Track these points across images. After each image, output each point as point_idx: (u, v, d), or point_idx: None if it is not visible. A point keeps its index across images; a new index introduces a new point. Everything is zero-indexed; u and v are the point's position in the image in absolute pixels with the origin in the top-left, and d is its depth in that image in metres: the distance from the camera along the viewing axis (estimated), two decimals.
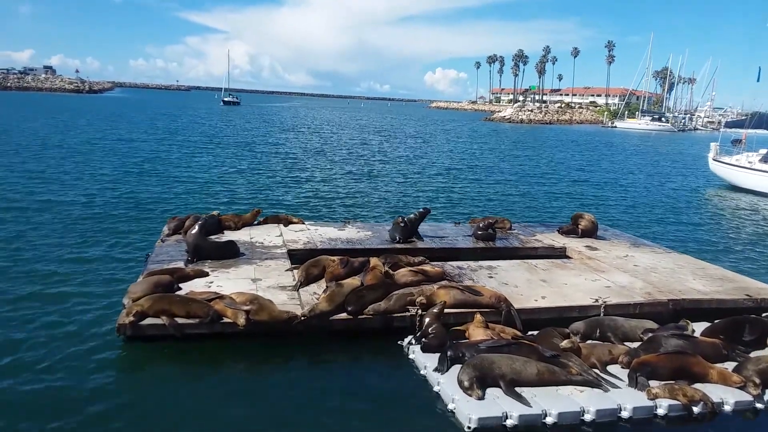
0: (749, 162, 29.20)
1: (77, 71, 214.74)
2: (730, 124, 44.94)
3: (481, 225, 13.22)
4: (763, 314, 9.16)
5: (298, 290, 9.22)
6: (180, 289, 8.92)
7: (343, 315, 8.32)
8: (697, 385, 6.88)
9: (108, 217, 15.94)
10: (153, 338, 7.80)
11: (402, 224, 12.63)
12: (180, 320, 7.88)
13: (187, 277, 9.46)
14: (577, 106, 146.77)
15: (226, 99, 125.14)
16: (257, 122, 69.11)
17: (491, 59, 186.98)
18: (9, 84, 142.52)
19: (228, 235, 12.33)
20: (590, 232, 13.79)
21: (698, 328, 8.50)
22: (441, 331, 7.81)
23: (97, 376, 7.11)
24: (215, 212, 13.32)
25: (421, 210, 13.12)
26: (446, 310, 8.52)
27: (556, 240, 13.53)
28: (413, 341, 7.95)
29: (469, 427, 6.11)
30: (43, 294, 9.73)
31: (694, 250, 15.20)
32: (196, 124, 58.60)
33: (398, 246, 12.16)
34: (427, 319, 8.06)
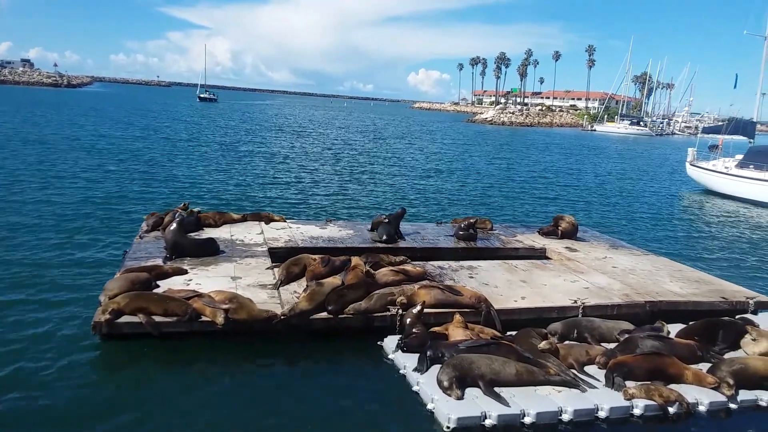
0: (726, 167, 29.73)
1: (56, 65, 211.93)
2: (707, 130, 45.63)
3: (462, 225, 13.27)
4: (737, 316, 9.33)
5: (278, 289, 9.16)
6: (158, 286, 8.80)
7: (324, 314, 8.28)
8: (673, 386, 6.99)
9: (84, 214, 15.68)
10: (130, 336, 7.69)
11: (386, 221, 12.65)
12: (158, 318, 7.78)
13: (166, 275, 9.34)
14: (557, 110, 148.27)
15: (202, 96, 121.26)
16: (235, 120, 67.66)
17: (474, 61, 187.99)
18: None
19: (208, 233, 12.22)
20: (570, 234, 13.93)
21: (674, 329, 8.62)
22: (422, 331, 7.82)
23: (71, 374, 6.99)
24: (196, 209, 13.19)
25: (398, 210, 13.16)
26: (427, 310, 8.54)
27: (537, 241, 13.63)
28: (394, 341, 7.93)
29: (448, 427, 6.12)
30: (17, 291, 9.54)
31: (671, 253, 15.42)
32: (174, 121, 57.69)
33: (380, 245, 12.14)
34: (408, 320, 8.07)
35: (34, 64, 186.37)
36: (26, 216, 14.86)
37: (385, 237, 12.36)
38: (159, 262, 10.02)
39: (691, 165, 32.30)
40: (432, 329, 8.12)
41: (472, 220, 13.39)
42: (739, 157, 29.70)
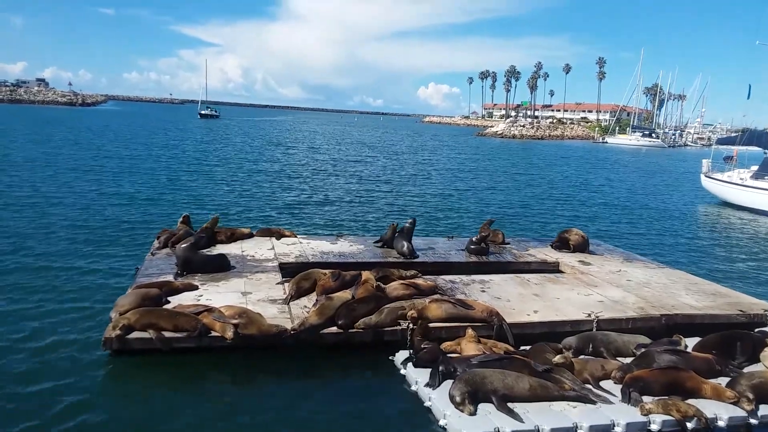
0: (740, 179, 29.42)
1: (70, 84, 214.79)
2: (721, 141, 45.23)
3: (473, 239, 13.18)
4: (756, 329, 9.14)
5: (288, 304, 9.12)
6: (168, 302, 8.80)
7: (334, 328, 8.22)
8: (691, 401, 6.82)
9: (97, 230, 15.78)
10: (140, 352, 7.68)
11: (398, 230, 12.64)
12: (167, 334, 7.76)
13: (177, 291, 9.34)
14: (568, 122, 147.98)
15: (203, 112, 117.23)
16: (235, 138, 66.11)
17: (483, 75, 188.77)
18: (1, 97, 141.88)
19: (219, 249, 12.24)
20: (582, 247, 13.79)
21: (691, 343, 8.47)
22: (434, 346, 7.72)
23: (82, 389, 6.97)
24: (214, 216, 13.36)
25: (410, 221, 13.07)
26: (438, 325, 8.46)
27: (549, 254, 13.50)
28: (405, 356, 7.85)
29: None
30: (28, 306, 9.58)
31: (686, 266, 15.23)
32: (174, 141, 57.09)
33: (390, 260, 12.09)
34: (416, 337, 7.97)
35: (49, 84, 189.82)
36: (38, 231, 15.00)
37: (405, 249, 12.32)
38: (170, 278, 10.04)
39: (706, 176, 31.98)
40: (443, 344, 8.02)
41: (484, 234, 13.31)
42: (755, 168, 29.39)
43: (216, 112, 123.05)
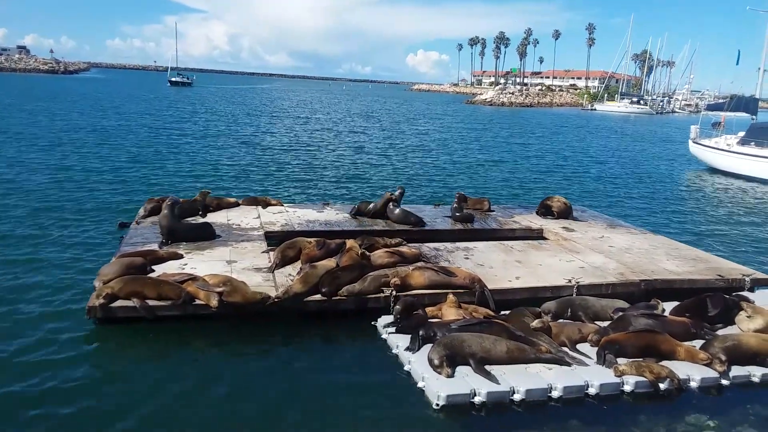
0: (727, 145, 29.56)
1: (52, 51, 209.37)
2: (710, 107, 45.29)
3: (454, 205, 13.27)
4: (733, 293, 9.30)
5: (273, 272, 9.19)
6: (153, 271, 8.84)
7: (318, 296, 8.32)
8: (665, 363, 7.00)
9: (81, 199, 15.69)
10: (124, 320, 7.75)
11: (394, 198, 12.73)
12: (152, 302, 7.82)
13: (161, 260, 9.38)
14: (557, 89, 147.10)
15: (173, 79, 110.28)
16: (211, 105, 64.37)
17: (473, 41, 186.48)
18: None
19: (205, 218, 12.23)
20: (565, 213, 13.91)
21: (669, 308, 8.63)
22: (421, 315, 7.81)
23: (65, 357, 7.04)
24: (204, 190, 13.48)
25: (399, 190, 13.11)
26: (421, 291, 8.58)
27: (534, 221, 13.62)
28: (387, 321, 7.96)
29: (437, 405, 6.17)
30: (12, 276, 9.58)
31: (671, 231, 15.42)
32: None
33: (376, 228, 12.15)
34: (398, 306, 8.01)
35: (30, 51, 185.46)
36: (23, 200, 14.89)
37: (412, 218, 12.51)
38: (155, 247, 10.05)
39: (694, 143, 32.10)
40: (425, 309, 8.13)
41: (461, 197, 13.35)
42: (742, 134, 29.50)
43: (188, 79, 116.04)
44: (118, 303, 7.77)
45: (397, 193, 12.95)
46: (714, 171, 30.09)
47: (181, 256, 9.69)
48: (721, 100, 46.75)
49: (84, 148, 25.24)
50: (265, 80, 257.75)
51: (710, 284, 9.89)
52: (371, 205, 13.07)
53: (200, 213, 12.50)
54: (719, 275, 10.19)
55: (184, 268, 9.08)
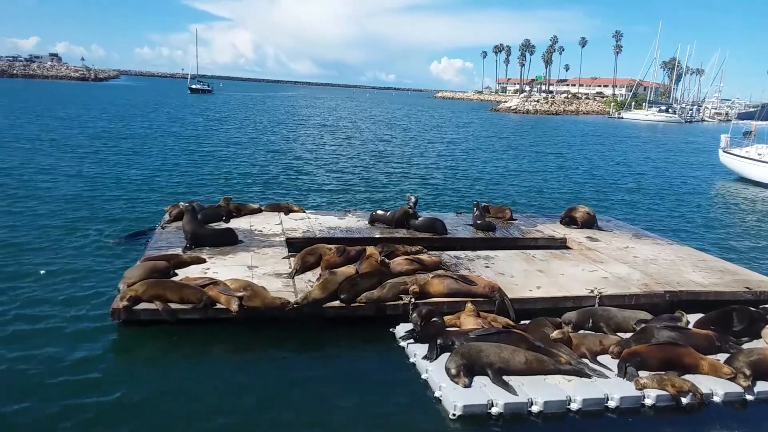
0: (759, 154, 28.93)
1: (83, 59, 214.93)
2: (741, 116, 44.44)
3: (475, 213, 13.20)
4: (761, 306, 9.10)
5: (293, 278, 9.26)
6: (176, 275, 8.98)
7: (337, 302, 8.35)
8: (688, 377, 6.88)
9: (107, 202, 16.01)
10: (147, 323, 7.87)
11: (411, 208, 12.64)
12: (174, 305, 7.95)
13: (184, 264, 9.53)
14: (583, 97, 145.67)
15: (193, 87, 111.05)
16: (231, 112, 64.33)
17: (497, 49, 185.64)
18: (15, 72, 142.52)
19: (228, 223, 12.39)
20: (589, 223, 13.75)
21: (694, 320, 8.46)
22: (440, 322, 7.79)
23: (89, 358, 7.18)
24: (226, 196, 13.60)
25: (414, 199, 12.97)
26: (440, 300, 8.55)
27: (557, 231, 13.49)
28: (406, 328, 7.95)
29: (454, 415, 6.14)
30: (38, 278, 9.80)
31: (699, 242, 15.13)
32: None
33: (397, 235, 12.16)
34: (416, 315, 7.98)
35: (62, 59, 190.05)
36: (48, 204, 15.24)
37: (438, 226, 12.44)
38: (179, 251, 10.21)
39: (724, 152, 31.46)
40: (444, 318, 8.11)
41: (483, 207, 13.27)
42: None
43: (208, 86, 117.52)
44: (142, 306, 7.91)
45: (412, 201, 12.86)
46: (744, 180, 29.47)
47: (203, 261, 9.82)
48: (752, 109, 45.93)
49: (118, 155, 25.78)
50: (290, 88, 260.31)
51: (738, 296, 9.66)
52: (389, 214, 13.00)
53: (224, 219, 12.68)
54: (747, 287, 9.96)
55: (206, 273, 9.20)
